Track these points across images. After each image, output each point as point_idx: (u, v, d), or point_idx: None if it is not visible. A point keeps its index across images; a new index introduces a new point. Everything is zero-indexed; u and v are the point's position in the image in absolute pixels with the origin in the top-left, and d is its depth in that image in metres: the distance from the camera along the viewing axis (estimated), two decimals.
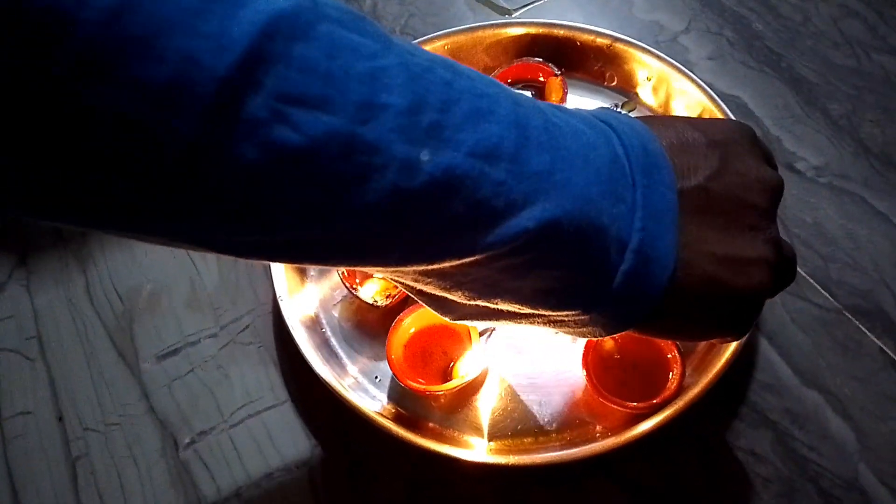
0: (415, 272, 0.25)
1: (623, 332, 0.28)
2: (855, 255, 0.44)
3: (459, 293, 0.26)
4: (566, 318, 0.27)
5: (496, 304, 0.26)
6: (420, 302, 0.29)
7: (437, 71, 0.22)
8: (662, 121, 0.28)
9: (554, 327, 0.28)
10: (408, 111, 0.21)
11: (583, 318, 0.26)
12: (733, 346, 0.38)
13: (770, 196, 0.28)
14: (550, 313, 0.27)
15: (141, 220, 0.20)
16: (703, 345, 0.41)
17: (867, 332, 0.42)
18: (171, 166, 0.19)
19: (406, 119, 0.21)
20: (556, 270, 0.25)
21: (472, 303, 0.27)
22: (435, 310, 0.29)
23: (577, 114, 0.27)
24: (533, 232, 0.23)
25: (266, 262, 0.47)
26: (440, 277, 0.25)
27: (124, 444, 0.43)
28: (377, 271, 0.25)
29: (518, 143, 0.23)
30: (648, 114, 0.50)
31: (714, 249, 0.26)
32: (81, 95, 0.17)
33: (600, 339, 0.40)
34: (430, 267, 0.24)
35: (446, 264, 0.24)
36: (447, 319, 0.29)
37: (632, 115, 0.30)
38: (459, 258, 0.23)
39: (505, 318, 0.28)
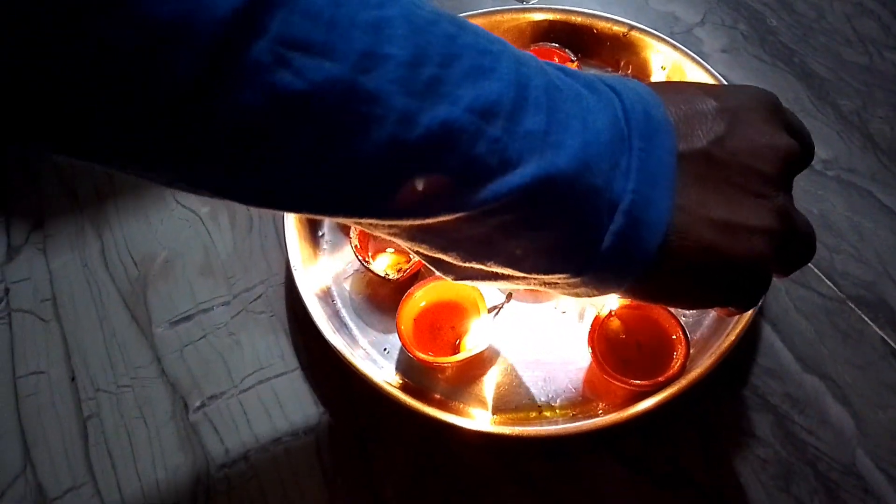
0: (411, 228, 0.25)
1: (624, 303, 0.28)
2: (860, 247, 0.45)
3: (454, 254, 0.26)
4: (558, 281, 0.27)
5: (490, 266, 0.27)
6: (421, 260, 0.29)
7: (442, 25, 0.22)
8: (675, 87, 0.28)
9: (548, 288, 0.29)
10: (408, 63, 0.21)
11: (574, 280, 0.27)
12: (738, 327, 0.39)
13: (780, 163, 0.27)
14: (543, 277, 0.27)
15: (144, 159, 0.21)
16: (707, 326, 0.42)
17: (869, 321, 0.42)
18: (173, 107, 0.19)
19: (406, 71, 0.21)
20: (547, 230, 0.25)
21: (468, 265, 0.27)
22: (435, 269, 0.29)
23: (583, 77, 0.27)
24: (525, 188, 0.23)
25: (280, 232, 0.48)
26: (435, 234, 0.25)
27: (135, 406, 0.44)
28: (374, 225, 0.26)
29: (516, 103, 0.23)
30: None
31: (713, 215, 0.26)
32: (86, 31, 0.17)
33: (607, 318, 0.41)
34: (425, 222, 0.24)
35: (440, 219, 0.24)
36: (448, 279, 0.29)
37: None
38: (452, 213, 0.24)
39: (502, 279, 0.28)
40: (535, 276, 0.27)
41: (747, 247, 0.26)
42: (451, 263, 0.27)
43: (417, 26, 0.22)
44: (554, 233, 0.25)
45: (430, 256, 0.27)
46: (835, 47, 0.55)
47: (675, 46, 0.50)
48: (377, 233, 0.27)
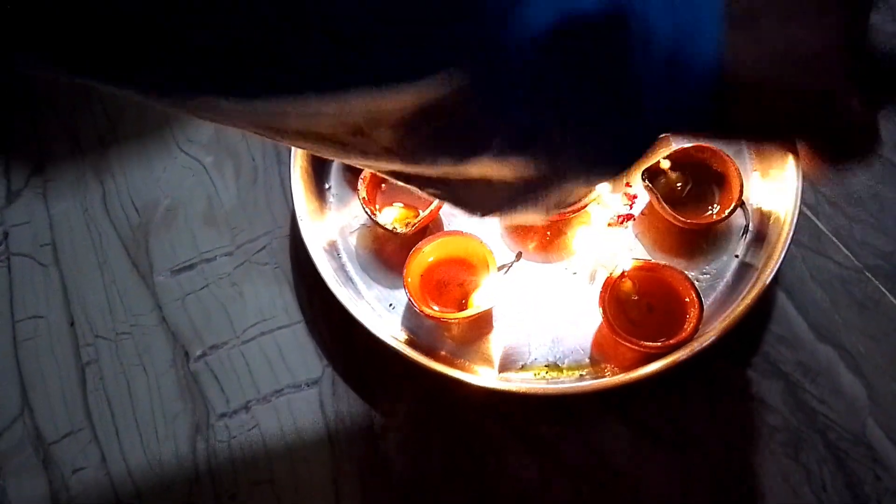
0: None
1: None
2: (880, 217, 0.44)
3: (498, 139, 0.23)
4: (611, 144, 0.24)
5: (542, 117, 0.23)
6: (447, 204, 0.28)
7: None
8: None
9: (587, 184, 0.26)
10: None
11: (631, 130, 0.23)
12: (753, 292, 0.38)
13: None
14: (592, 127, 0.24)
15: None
16: (720, 290, 0.41)
17: (886, 292, 0.41)
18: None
19: None
20: (581, 73, 0.22)
21: (506, 158, 0.24)
22: (462, 208, 0.28)
23: None
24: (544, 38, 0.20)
25: (286, 184, 0.46)
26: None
27: (135, 353, 0.43)
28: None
29: None
30: None
31: (769, 31, 0.22)
32: None
33: (618, 279, 0.39)
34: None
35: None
36: (475, 217, 0.28)
37: None
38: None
39: (540, 199, 0.26)
40: (588, 127, 0.24)
41: (814, 65, 0.23)
42: (481, 193, 0.26)
43: None
44: (590, 81, 0.22)
45: (462, 181, 0.26)
46: None
47: None
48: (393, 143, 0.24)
